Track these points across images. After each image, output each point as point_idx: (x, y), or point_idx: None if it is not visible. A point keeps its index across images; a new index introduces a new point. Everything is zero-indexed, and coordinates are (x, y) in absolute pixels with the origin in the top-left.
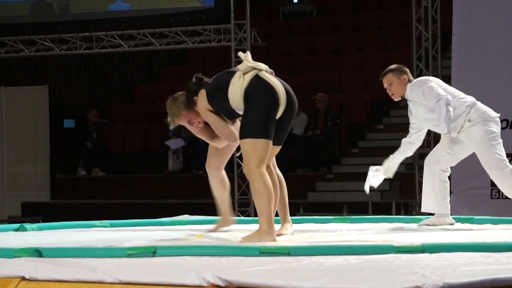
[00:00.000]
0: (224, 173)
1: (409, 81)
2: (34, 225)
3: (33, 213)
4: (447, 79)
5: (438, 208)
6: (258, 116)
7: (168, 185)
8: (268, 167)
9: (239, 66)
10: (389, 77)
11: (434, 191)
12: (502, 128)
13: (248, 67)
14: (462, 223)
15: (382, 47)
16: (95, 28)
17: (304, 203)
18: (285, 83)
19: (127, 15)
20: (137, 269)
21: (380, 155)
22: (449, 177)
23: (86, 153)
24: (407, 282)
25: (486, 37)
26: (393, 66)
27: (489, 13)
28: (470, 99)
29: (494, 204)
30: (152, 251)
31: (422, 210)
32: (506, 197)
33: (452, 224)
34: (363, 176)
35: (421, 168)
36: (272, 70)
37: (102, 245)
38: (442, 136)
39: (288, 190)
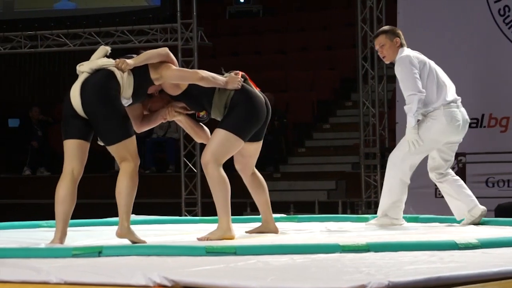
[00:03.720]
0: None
1: (402, 44)
2: None
3: None
4: (391, 79)
5: None
6: None
7: (114, 184)
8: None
9: None
10: (381, 39)
11: None
12: None
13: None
14: (408, 222)
15: (327, 47)
16: (40, 27)
17: (251, 202)
18: (93, 81)
19: (72, 14)
20: (82, 270)
21: (326, 154)
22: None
23: (32, 152)
24: (353, 281)
25: (429, 37)
26: (385, 28)
27: (433, 13)
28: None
29: (438, 203)
30: (97, 251)
31: None
32: None
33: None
34: (310, 175)
35: (367, 167)
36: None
37: (47, 245)
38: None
39: (235, 189)
